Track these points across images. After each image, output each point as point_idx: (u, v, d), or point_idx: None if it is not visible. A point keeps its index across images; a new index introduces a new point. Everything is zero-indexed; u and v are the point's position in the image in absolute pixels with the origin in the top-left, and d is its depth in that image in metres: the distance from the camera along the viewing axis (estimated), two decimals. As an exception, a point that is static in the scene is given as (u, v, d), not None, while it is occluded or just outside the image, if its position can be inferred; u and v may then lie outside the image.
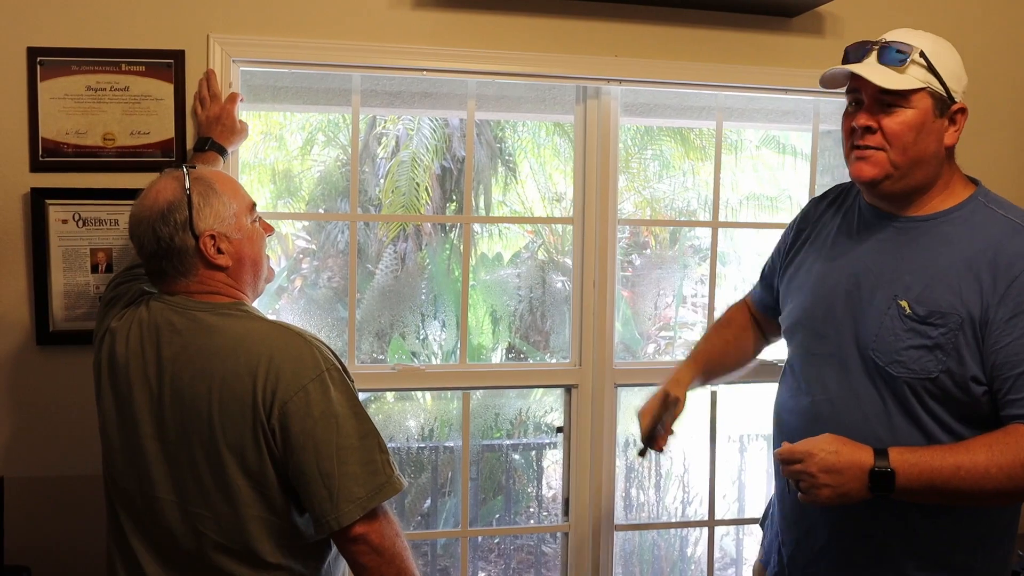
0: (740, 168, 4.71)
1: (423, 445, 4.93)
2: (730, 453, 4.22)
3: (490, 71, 2.46)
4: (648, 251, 5.16)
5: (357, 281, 2.57)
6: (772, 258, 2.13)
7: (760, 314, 2.18)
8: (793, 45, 2.64)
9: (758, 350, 2.20)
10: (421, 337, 5.46)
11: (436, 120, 5.32)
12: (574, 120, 2.62)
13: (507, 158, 5.84)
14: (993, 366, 1.63)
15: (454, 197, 5.83)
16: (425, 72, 2.43)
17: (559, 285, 5.42)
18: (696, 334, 3.57)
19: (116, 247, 2.24)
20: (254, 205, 1.84)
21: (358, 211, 2.64)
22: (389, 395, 5.35)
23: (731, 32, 2.61)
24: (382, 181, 5.59)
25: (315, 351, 1.66)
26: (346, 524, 1.60)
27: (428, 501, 4.76)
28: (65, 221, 2.21)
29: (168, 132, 2.26)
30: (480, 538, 4.99)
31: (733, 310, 2.24)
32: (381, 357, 5.06)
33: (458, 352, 5.80)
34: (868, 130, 1.71)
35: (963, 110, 1.73)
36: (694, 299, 4.91)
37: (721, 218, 2.77)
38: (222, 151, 2.20)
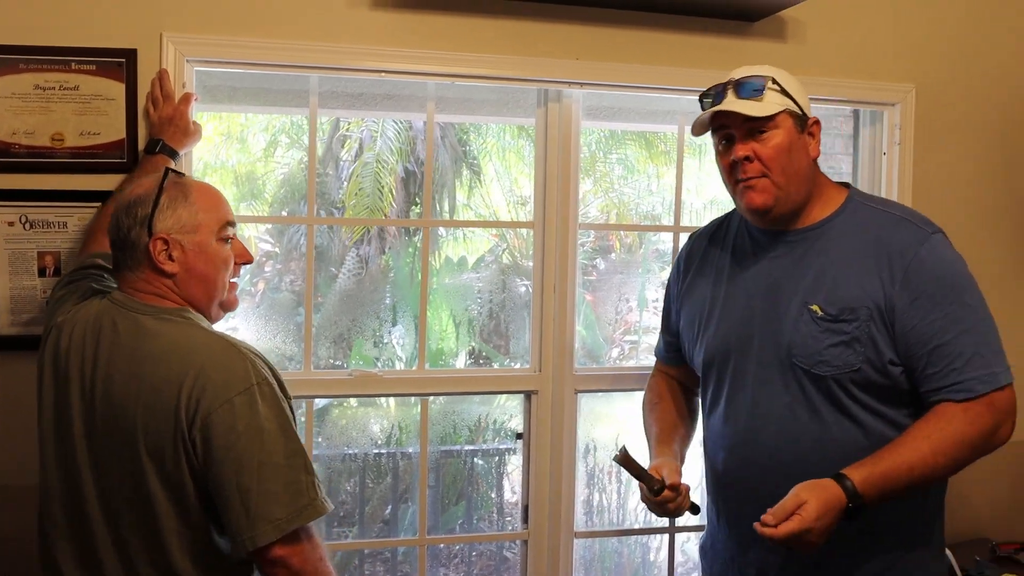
0: (704, 172, 4.72)
1: (385, 451, 4.88)
2: (691, 459, 4.21)
3: (450, 73, 2.43)
4: (613, 255, 5.15)
5: (319, 285, 2.54)
6: (666, 307, 2.23)
7: (675, 369, 2.24)
8: (754, 49, 2.63)
9: (694, 407, 2.24)
10: (384, 342, 5.42)
11: (400, 123, 5.28)
12: (535, 123, 2.60)
13: (472, 161, 5.81)
14: (907, 346, 1.76)
15: (418, 200, 5.79)
16: (383, 74, 2.39)
17: (522, 289, 5.40)
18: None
19: (64, 250, 2.18)
20: (229, 224, 1.77)
21: (321, 214, 2.59)
22: (352, 400, 5.29)
23: (693, 36, 2.60)
24: (345, 184, 5.54)
25: (248, 364, 1.61)
26: (262, 544, 1.54)
27: (389, 508, 4.71)
28: (12, 223, 2.16)
29: (119, 133, 2.21)
30: (441, 545, 4.95)
31: (655, 387, 2.27)
32: (338, 363, 5.01)
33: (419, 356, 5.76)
34: (747, 160, 1.83)
35: (817, 122, 1.91)
36: (656, 304, 4.91)
37: (685, 222, 2.75)
38: (173, 153, 2.16)
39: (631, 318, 5.09)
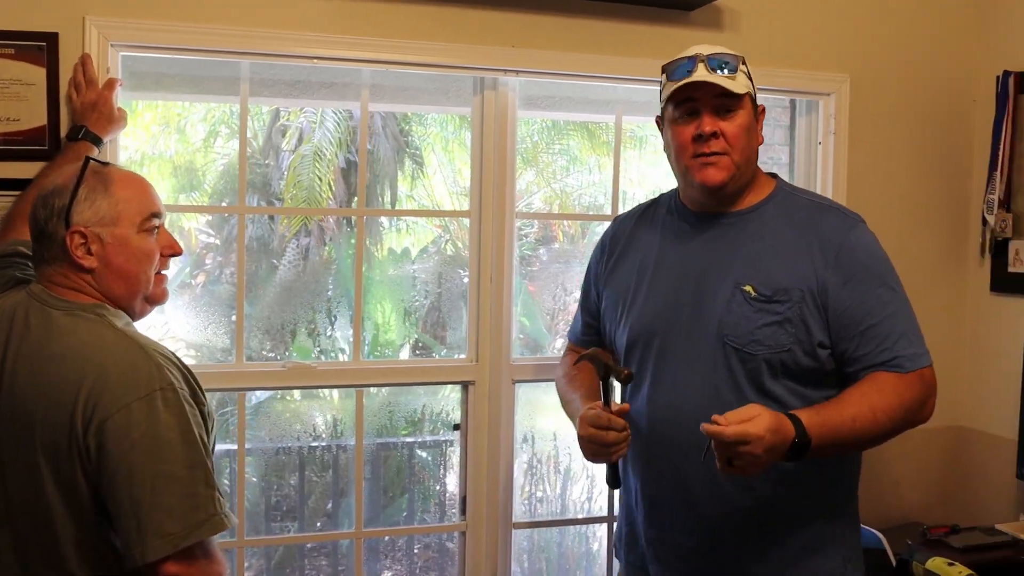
0: (646, 162, 4.72)
1: (328, 444, 4.83)
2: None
3: (384, 60, 2.39)
4: (556, 245, 5.14)
5: (260, 277, 2.50)
6: (585, 288, 2.22)
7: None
8: (691, 39, 2.60)
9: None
10: (327, 333, 5.36)
11: (340, 113, 5.21)
12: (471, 112, 2.57)
13: (414, 152, 5.76)
14: (839, 327, 1.82)
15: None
16: (316, 60, 2.35)
17: (464, 280, 5.38)
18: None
19: (-21, 240, 2.11)
20: (154, 215, 1.69)
21: (262, 204, 2.54)
22: (296, 392, 5.23)
23: (630, 24, 2.59)
24: (286, 175, 5.46)
25: (154, 367, 1.53)
26: (151, 560, 1.45)
27: (331, 501, 4.66)
28: (-76, 212, 2.08)
29: (40, 119, 2.14)
30: (387, 538, 4.92)
31: (569, 363, 2.21)
32: (280, 356, 4.94)
33: (365, 348, 5.70)
34: (714, 135, 1.85)
35: (764, 110, 1.97)
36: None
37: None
38: (97, 140, 2.09)
39: (574, 308, 5.09)
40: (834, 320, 1.82)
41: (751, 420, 1.61)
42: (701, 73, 1.83)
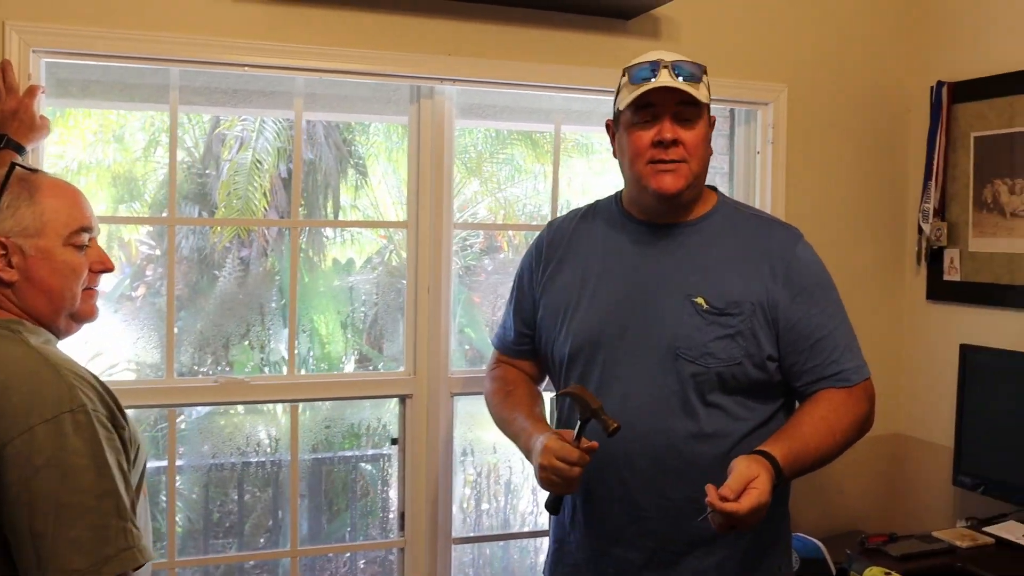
0: (591, 171, 4.71)
1: (270, 459, 4.74)
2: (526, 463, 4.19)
3: (317, 68, 2.35)
4: (501, 255, 5.11)
5: (201, 288, 2.44)
6: (518, 297, 2.12)
7: (524, 363, 2.14)
8: (630, 47, 2.62)
9: (543, 399, 2.15)
10: (272, 345, 5.27)
11: (280, 122, 5.13)
12: (408, 121, 2.54)
13: (357, 161, 5.70)
14: (790, 340, 1.84)
15: (302, 201, 5.65)
16: (247, 68, 2.31)
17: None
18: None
19: None
20: (83, 229, 1.60)
21: (203, 214, 2.48)
22: (240, 406, 5.12)
23: (568, 33, 2.58)
24: (220, 184, 5.36)
25: (65, 388, 1.42)
26: None
27: (271, 519, 4.58)
28: None
29: (-44, 127, 2.06)
30: (329, 555, 4.83)
31: (503, 377, 2.13)
32: (206, 371, 4.83)
33: (311, 360, 5.61)
34: (675, 142, 1.81)
35: (714, 121, 1.94)
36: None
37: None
38: (19, 149, 2.02)
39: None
40: (784, 334, 1.84)
41: (756, 489, 1.59)
42: (665, 79, 1.80)
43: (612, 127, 1.97)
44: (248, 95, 2.49)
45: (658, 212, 1.92)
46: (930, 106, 2.92)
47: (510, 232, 5.38)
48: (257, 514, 4.64)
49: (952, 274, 2.90)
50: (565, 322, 1.96)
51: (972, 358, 2.70)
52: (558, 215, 2.75)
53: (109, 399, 1.51)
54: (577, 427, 1.76)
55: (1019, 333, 2.68)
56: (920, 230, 2.95)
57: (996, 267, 2.77)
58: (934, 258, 2.94)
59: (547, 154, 5.00)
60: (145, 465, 1.64)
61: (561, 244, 2.05)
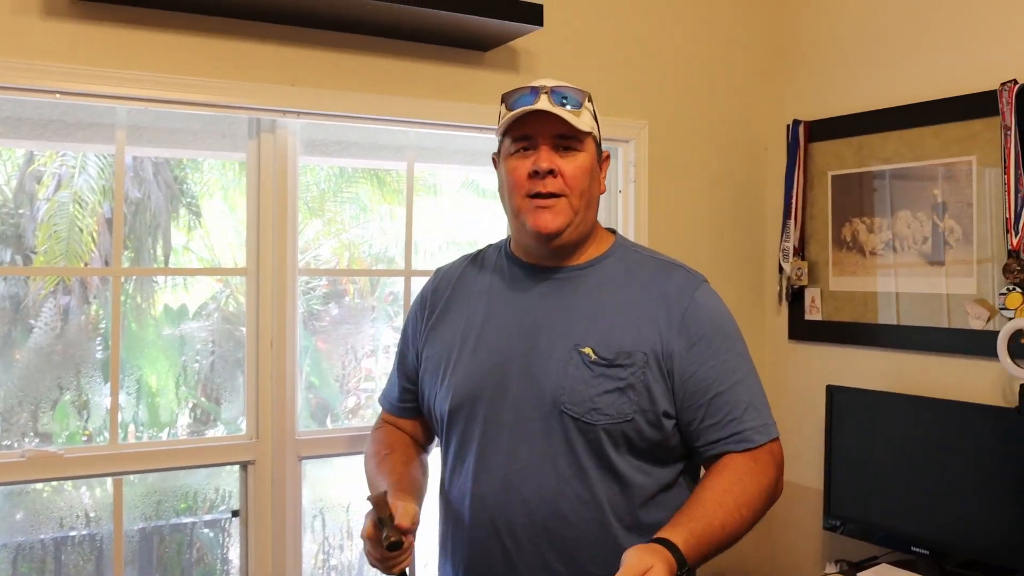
0: (441, 211, 4.55)
1: (90, 532, 4.31)
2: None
3: (143, 97, 2.09)
4: (347, 299, 4.87)
5: (13, 342, 2.14)
6: (402, 350, 1.95)
7: (407, 422, 1.95)
8: (487, 80, 2.48)
9: (427, 466, 1.95)
10: (92, 404, 4.82)
11: (104, 158, 4.74)
12: (247, 157, 2.30)
13: (190, 201, 5.34)
14: (685, 395, 1.64)
15: (128, 244, 5.25)
16: (58, 95, 2.02)
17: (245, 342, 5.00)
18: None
19: None
20: None
21: (17, 259, 2.17)
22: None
23: (422, 64, 2.41)
24: (40, 225, 4.91)
25: None
26: None
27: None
28: None
29: None
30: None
31: (382, 439, 1.94)
32: (5, 443, 4.38)
33: (139, 420, 5.18)
34: (551, 173, 1.65)
35: (608, 157, 1.80)
36: (390, 349, 4.68)
37: (418, 265, 2.55)
38: None
39: (366, 365, 4.83)
40: (679, 388, 1.64)
41: None
42: (543, 104, 1.63)
43: (496, 161, 1.80)
44: (65, 127, 2.21)
45: (543, 254, 1.74)
46: (787, 144, 2.90)
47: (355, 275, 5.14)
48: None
49: (814, 313, 2.87)
50: (446, 376, 1.76)
51: (838, 398, 2.66)
52: (411, 257, 2.57)
53: None
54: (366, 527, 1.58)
55: (881, 372, 2.67)
56: (781, 269, 2.92)
57: (857, 306, 2.76)
58: (795, 298, 2.91)
59: (394, 192, 4.81)
60: None
61: (446, 291, 1.86)
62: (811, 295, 2.87)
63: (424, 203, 4.51)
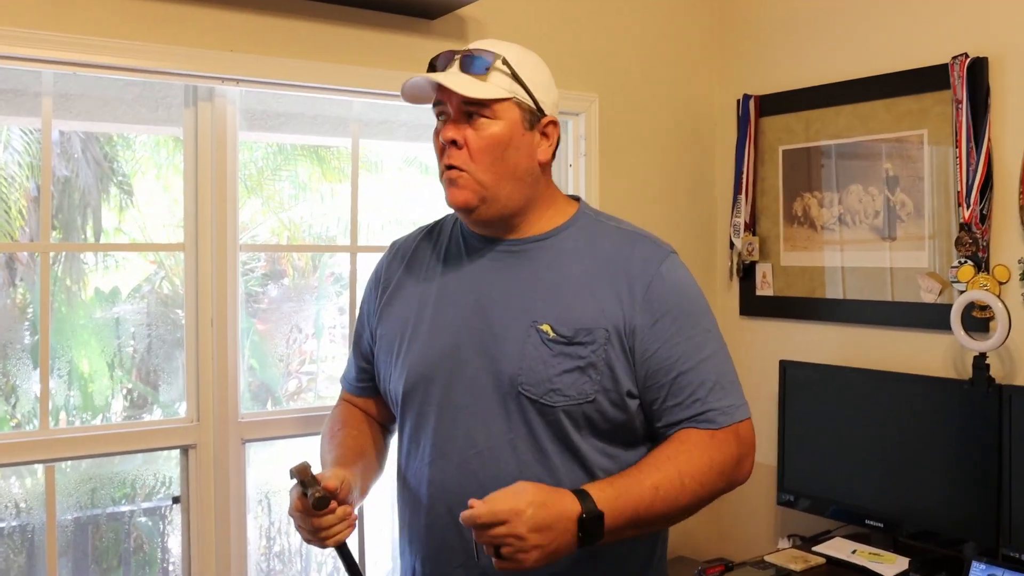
0: (384, 189, 4.45)
1: (24, 522, 4.15)
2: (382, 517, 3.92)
3: (69, 61, 1.98)
4: (286, 280, 4.75)
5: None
6: (359, 328, 1.87)
7: (366, 401, 1.86)
8: (433, 49, 2.36)
9: (385, 444, 1.88)
10: (20, 391, 4.65)
11: (30, 132, 4.56)
12: (183, 128, 2.20)
13: (120, 179, 5.17)
14: (647, 374, 1.56)
15: (56, 224, 5.06)
16: (-27, 58, 1.90)
17: (183, 323, 4.86)
18: (338, 367, 3.27)
19: None
20: None
21: None
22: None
23: (367, 31, 2.33)
24: (-37, 204, 4.71)
25: None
26: None
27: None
28: None
29: None
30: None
31: (338, 416, 1.86)
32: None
33: (70, 406, 5.01)
34: (454, 144, 1.56)
35: (555, 123, 1.64)
36: (333, 330, 4.58)
37: (363, 242, 2.46)
38: None
39: (307, 347, 4.72)
40: (641, 365, 1.55)
41: (507, 496, 1.36)
42: (448, 73, 1.54)
43: None
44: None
45: (482, 228, 1.66)
46: (737, 119, 2.88)
47: (294, 255, 5.03)
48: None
49: (765, 289, 2.85)
50: (400, 355, 1.68)
51: (791, 373, 2.64)
52: (356, 235, 2.49)
53: None
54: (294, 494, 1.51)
55: (835, 347, 2.66)
56: (732, 245, 2.89)
57: (808, 281, 2.74)
58: (747, 273, 2.89)
59: (334, 170, 4.69)
60: None
61: (400, 267, 1.77)
62: (762, 270, 2.85)
63: (367, 180, 4.41)
